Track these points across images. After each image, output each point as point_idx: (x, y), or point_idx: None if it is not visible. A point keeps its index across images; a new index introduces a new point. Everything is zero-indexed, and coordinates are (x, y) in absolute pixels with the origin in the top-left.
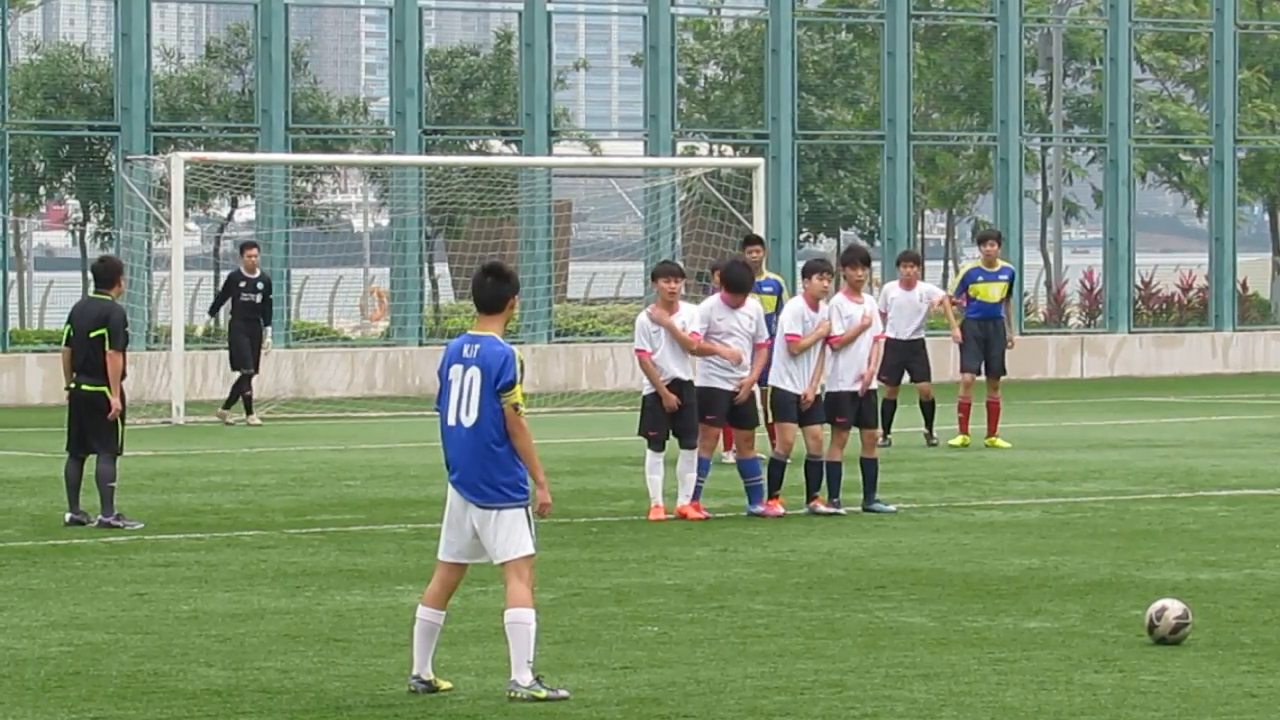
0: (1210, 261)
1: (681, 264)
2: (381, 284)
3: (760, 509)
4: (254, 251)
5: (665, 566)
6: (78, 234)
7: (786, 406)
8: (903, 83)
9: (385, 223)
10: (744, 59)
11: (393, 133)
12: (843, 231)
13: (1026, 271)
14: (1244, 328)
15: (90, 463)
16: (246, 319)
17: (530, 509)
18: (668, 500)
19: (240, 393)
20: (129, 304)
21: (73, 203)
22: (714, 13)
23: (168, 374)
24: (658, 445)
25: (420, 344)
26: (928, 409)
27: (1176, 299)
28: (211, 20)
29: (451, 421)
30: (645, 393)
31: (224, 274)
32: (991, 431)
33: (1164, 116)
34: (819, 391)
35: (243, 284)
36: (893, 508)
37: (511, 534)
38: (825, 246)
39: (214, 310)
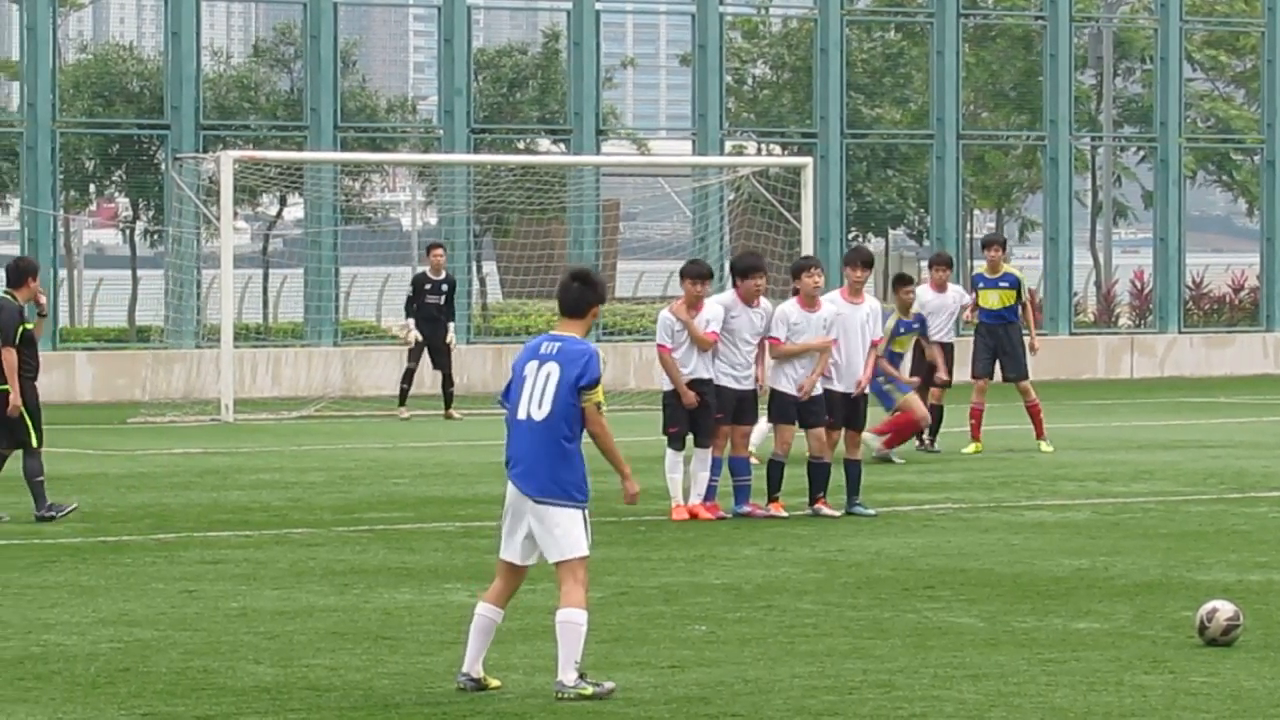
0: (1261, 262)
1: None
2: None
3: (746, 509)
4: (440, 252)
5: (713, 565)
6: (128, 232)
7: (785, 408)
8: (951, 82)
9: (433, 221)
10: (792, 58)
11: (441, 131)
12: (891, 231)
13: (1076, 272)
14: None
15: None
16: (429, 319)
17: (588, 511)
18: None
19: (406, 387)
20: (178, 301)
21: (122, 201)
22: (762, 12)
23: (217, 372)
24: (677, 443)
25: (468, 342)
26: (937, 414)
27: (1227, 299)
28: (260, 19)
29: (521, 415)
30: (665, 390)
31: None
32: (1038, 435)
33: (1215, 116)
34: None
35: (428, 285)
36: (872, 511)
37: (569, 533)
38: (874, 246)
39: (409, 312)
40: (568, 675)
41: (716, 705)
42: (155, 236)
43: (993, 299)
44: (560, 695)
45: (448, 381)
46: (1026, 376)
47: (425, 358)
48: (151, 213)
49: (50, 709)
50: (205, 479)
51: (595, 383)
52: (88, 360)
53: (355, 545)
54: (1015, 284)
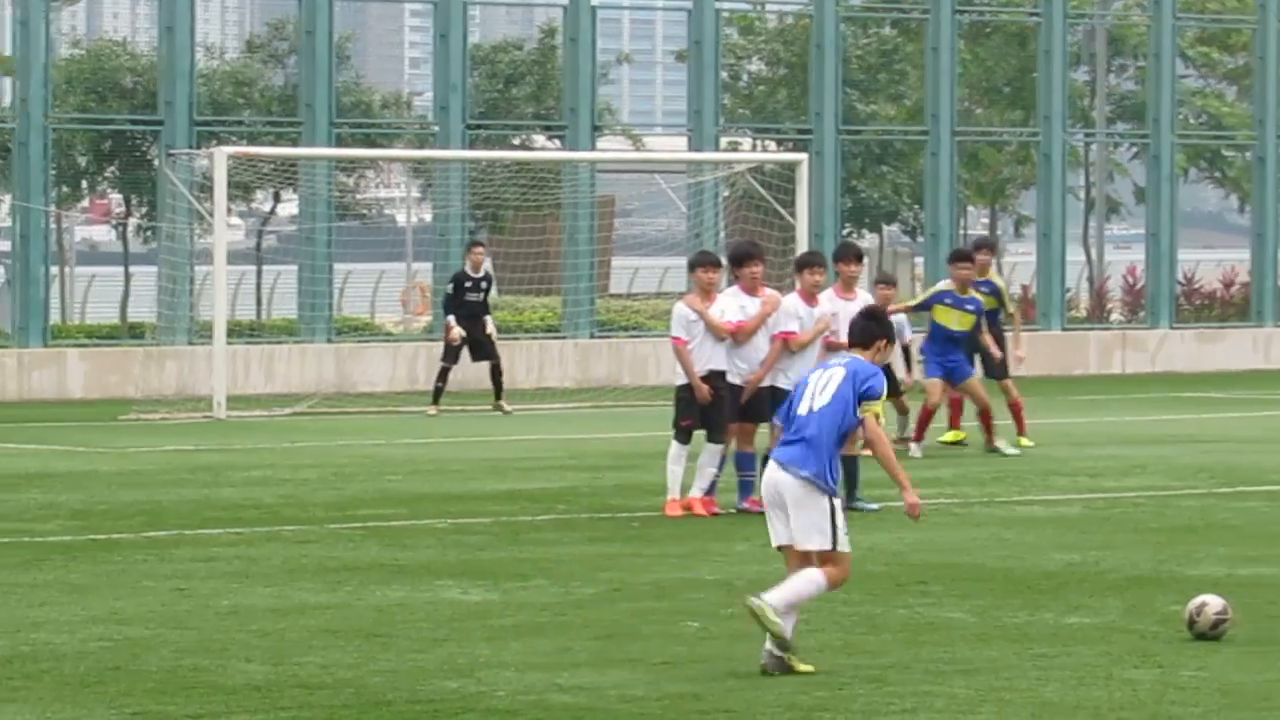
0: (1252, 258)
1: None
2: (424, 279)
3: (746, 505)
4: (480, 250)
5: (706, 561)
6: (120, 228)
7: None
8: (946, 78)
9: (428, 218)
10: (788, 54)
11: (436, 127)
12: (885, 227)
13: (1069, 268)
14: None
15: None
16: (469, 316)
17: (837, 501)
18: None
19: (441, 385)
20: (171, 297)
21: (115, 197)
22: (758, 8)
23: (210, 368)
24: (685, 436)
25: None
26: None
27: (1219, 295)
28: (254, 14)
29: (802, 411)
30: (678, 383)
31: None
32: (1019, 431)
33: (1207, 112)
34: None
35: (468, 283)
36: (875, 506)
37: (820, 523)
38: (868, 242)
39: (449, 311)
40: (773, 599)
41: (709, 701)
42: (148, 233)
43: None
44: (750, 603)
45: (496, 371)
46: (1007, 375)
47: (463, 356)
48: (145, 209)
49: (39, 708)
50: (197, 476)
51: (876, 396)
52: (79, 357)
53: (348, 542)
54: (979, 309)
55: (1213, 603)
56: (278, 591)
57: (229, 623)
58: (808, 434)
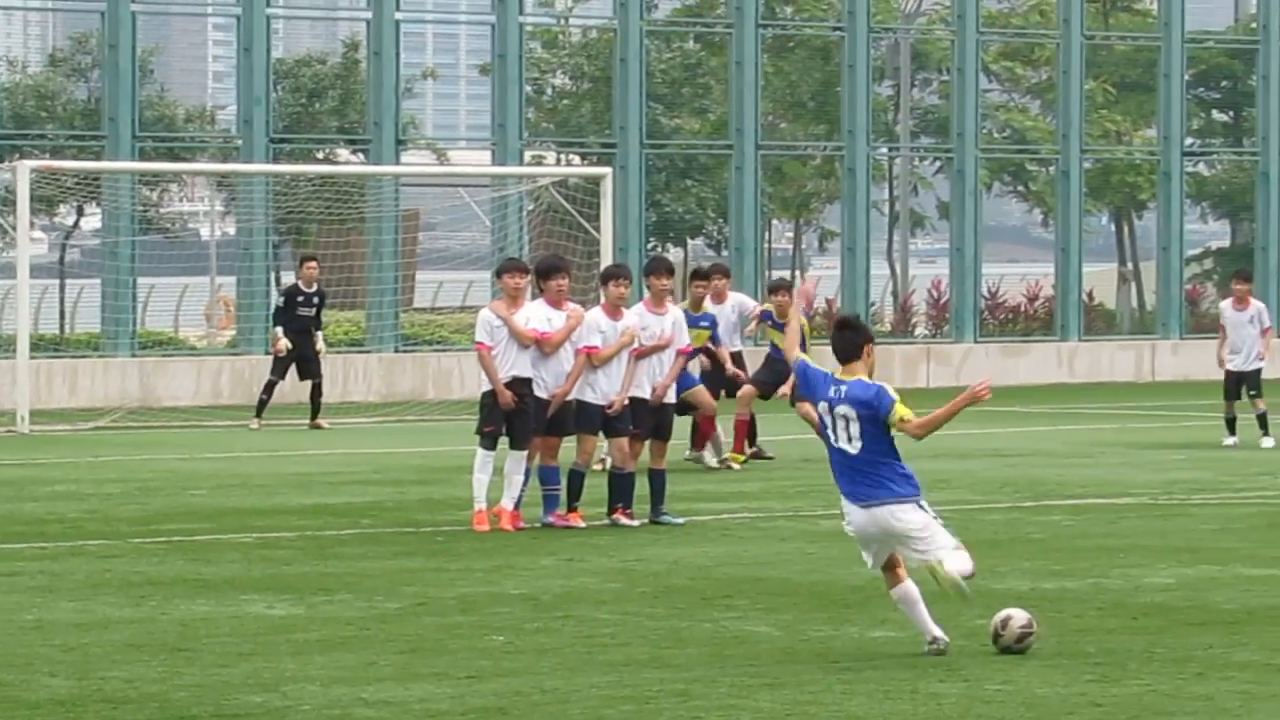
0: (1056, 271)
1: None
2: (228, 293)
3: (551, 519)
4: (313, 265)
5: (511, 576)
6: None
7: (590, 418)
8: (750, 92)
9: (232, 231)
10: (592, 68)
11: (240, 141)
12: (690, 241)
13: (874, 281)
14: (1090, 338)
15: None
16: (299, 331)
17: (924, 500)
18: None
19: (265, 398)
20: None
21: None
22: (562, 22)
23: (13, 382)
24: (489, 443)
25: (266, 353)
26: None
27: (1023, 309)
28: (58, 28)
29: (836, 445)
30: (483, 389)
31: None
32: (736, 448)
33: (1011, 126)
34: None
35: (300, 298)
36: (681, 520)
37: (918, 527)
38: (673, 256)
39: (278, 322)
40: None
41: (514, 715)
42: None
43: (779, 339)
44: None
45: (317, 391)
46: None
47: (291, 371)
48: None
49: None
50: (0, 491)
51: (891, 407)
52: None
53: (153, 557)
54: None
55: (1018, 616)
56: (82, 606)
57: (32, 637)
58: (862, 471)
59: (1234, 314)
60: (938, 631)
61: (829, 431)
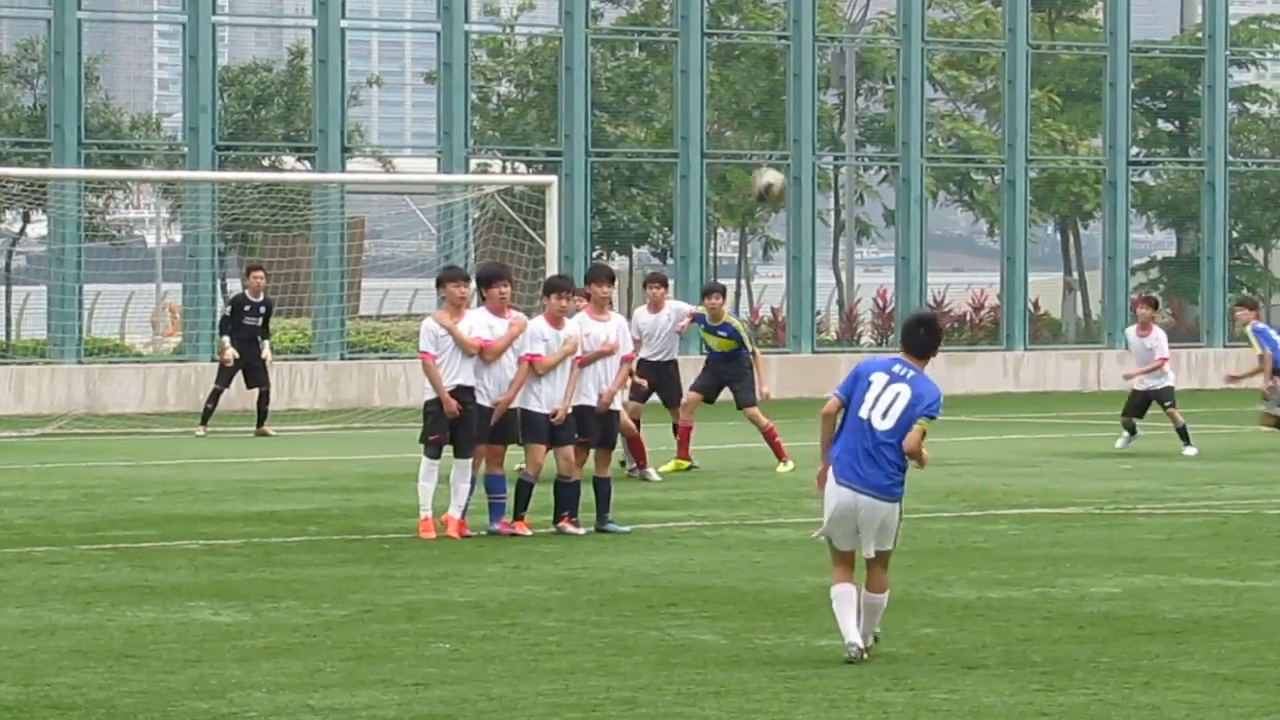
0: (1002, 281)
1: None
2: (174, 300)
3: (497, 527)
4: (259, 274)
5: (458, 583)
6: None
7: (536, 427)
8: (696, 101)
9: (178, 239)
10: (537, 76)
11: (186, 149)
12: (635, 249)
13: (819, 290)
14: (1035, 347)
15: None
16: (245, 340)
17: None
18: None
19: (211, 406)
20: None
21: None
22: (507, 30)
23: None
24: (434, 451)
25: (212, 360)
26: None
27: (968, 318)
28: (2, 34)
29: (863, 415)
30: (427, 398)
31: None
32: (778, 456)
33: (956, 136)
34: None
35: (247, 307)
36: (626, 528)
37: (894, 527)
38: (618, 265)
39: (224, 331)
40: (865, 640)
41: None
42: None
43: (713, 343)
44: (852, 656)
45: (264, 399)
46: (755, 403)
47: (238, 379)
48: None
49: None
50: None
51: (933, 416)
52: None
53: (99, 563)
54: (734, 335)
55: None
56: (28, 612)
57: None
58: (877, 453)
59: (1136, 340)
60: (857, 639)
61: (864, 398)
